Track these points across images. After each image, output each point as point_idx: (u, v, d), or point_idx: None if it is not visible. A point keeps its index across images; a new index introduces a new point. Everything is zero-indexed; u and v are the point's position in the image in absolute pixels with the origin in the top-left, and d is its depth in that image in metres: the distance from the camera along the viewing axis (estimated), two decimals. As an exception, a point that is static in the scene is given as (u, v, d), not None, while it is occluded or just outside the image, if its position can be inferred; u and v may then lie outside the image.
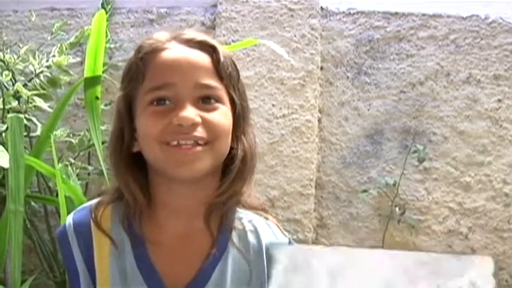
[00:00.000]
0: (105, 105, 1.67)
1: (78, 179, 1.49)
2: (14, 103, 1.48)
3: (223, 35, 1.76)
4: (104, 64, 1.52)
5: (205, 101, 0.82)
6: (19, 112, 1.43)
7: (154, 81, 0.81)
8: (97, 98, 1.39)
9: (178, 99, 0.80)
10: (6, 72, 1.50)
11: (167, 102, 0.81)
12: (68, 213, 0.92)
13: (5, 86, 1.51)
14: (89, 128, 1.41)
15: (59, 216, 1.25)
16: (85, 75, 1.40)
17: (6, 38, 1.67)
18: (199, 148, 0.80)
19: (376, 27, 1.82)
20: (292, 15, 1.77)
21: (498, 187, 1.75)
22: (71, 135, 1.59)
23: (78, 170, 1.53)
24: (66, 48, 1.58)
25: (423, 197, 1.76)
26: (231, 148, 0.85)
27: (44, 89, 1.54)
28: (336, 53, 1.82)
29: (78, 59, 1.67)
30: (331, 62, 1.82)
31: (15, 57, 1.54)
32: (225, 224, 0.86)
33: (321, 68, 1.80)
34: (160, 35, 0.86)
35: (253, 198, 0.91)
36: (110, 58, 1.79)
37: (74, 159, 1.57)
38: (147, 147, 0.82)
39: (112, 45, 1.79)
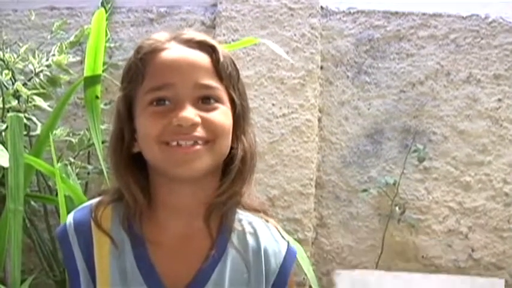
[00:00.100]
0: (105, 104, 1.67)
1: (78, 178, 1.49)
2: (14, 102, 1.48)
3: (223, 34, 1.76)
4: (104, 63, 1.52)
5: (205, 101, 0.81)
6: (19, 111, 1.43)
7: (153, 81, 0.81)
8: (97, 97, 1.38)
9: (178, 99, 0.80)
10: (6, 71, 1.51)
11: (167, 102, 0.80)
12: (68, 212, 0.92)
13: (5, 85, 1.51)
14: (89, 127, 1.41)
15: (59, 216, 1.25)
16: (85, 75, 1.39)
17: (6, 37, 1.67)
18: (199, 147, 0.79)
19: (376, 27, 1.82)
20: (292, 15, 1.77)
21: (498, 187, 1.75)
22: (71, 135, 1.59)
23: (78, 169, 1.53)
24: (66, 48, 1.58)
25: (423, 197, 1.76)
26: (231, 148, 0.84)
27: (43, 88, 1.54)
28: (336, 53, 1.82)
29: (78, 58, 1.67)
30: (331, 62, 1.82)
31: (15, 56, 1.54)
32: (224, 224, 0.86)
33: (321, 68, 1.80)
34: (159, 35, 0.86)
35: (254, 199, 0.90)
36: (110, 57, 1.80)
37: (74, 158, 1.57)
38: (147, 148, 0.82)
39: (112, 45, 1.79)
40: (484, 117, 1.77)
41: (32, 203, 1.61)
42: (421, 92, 1.79)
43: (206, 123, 0.80)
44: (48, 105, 1.51)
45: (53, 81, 1.56)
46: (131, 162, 0.84)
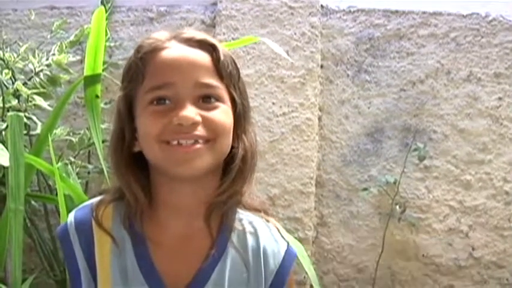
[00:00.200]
0: (105, 103, 1.67)
1: (78, 178, 1.49)
2: (14, 102, 1.48)
3: (224, 33, 1.76)
4: (104, 62, 1.51)
5: (206, 100, 0.81)
6: (19, 111, 1.42)
7: (154, 80, 0.81)
8: (97, 96, 1.38)
9: (178, 98, 0.80)
10: (6, 70, 1.50)
11: (167, 101, 0.80)
12: (68, 211, 0.92)
13: (5, 85, 1.51)
14: (89, 126, 1.41)
15: (59, 215, 1.25)
16: (85, 74, 1.39)
17: (6, 36, 1.66)
18: (199, 146, 0.79)
19: (377, 25, 1.82)
20: (292, 13, 1.77)
21: (498, 185, 1.75)
22: (71, 134, 1.59)
23: (78, 169, 1.53)
24: (66, 47, 1.58)
25: (423, 195, 1.76)
26: (232, 147, 0.84)
27: (43, 87, 1.54)
28: (336, 51, 1.82)
29: (78, 57, 1.67)
30: (332, 60, 1.82)
31: (15, 55, 1.54)
32: (225, 224, 0.86)
33: (321, 66, 1.80)
34: (159, 35, 0.86)
35: (254, 198, 0.90)
36: (110, 56, 1.79)
37: (74, 157, 1.57)
38: (147, 147, 0.82)
39: (112, 44, 1.79)
40: (485, 115, 1.77)
41: (33, 202, 1.61)
42: (421, 90, 1.79)
43: (207, 122, 0.80)
44: (48, 105, 1.50)
45: (53, 81, 1.56)
46: (132, 161, 0.84)
